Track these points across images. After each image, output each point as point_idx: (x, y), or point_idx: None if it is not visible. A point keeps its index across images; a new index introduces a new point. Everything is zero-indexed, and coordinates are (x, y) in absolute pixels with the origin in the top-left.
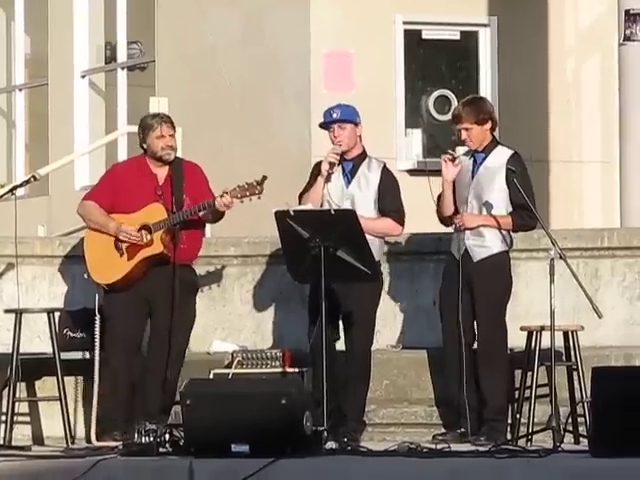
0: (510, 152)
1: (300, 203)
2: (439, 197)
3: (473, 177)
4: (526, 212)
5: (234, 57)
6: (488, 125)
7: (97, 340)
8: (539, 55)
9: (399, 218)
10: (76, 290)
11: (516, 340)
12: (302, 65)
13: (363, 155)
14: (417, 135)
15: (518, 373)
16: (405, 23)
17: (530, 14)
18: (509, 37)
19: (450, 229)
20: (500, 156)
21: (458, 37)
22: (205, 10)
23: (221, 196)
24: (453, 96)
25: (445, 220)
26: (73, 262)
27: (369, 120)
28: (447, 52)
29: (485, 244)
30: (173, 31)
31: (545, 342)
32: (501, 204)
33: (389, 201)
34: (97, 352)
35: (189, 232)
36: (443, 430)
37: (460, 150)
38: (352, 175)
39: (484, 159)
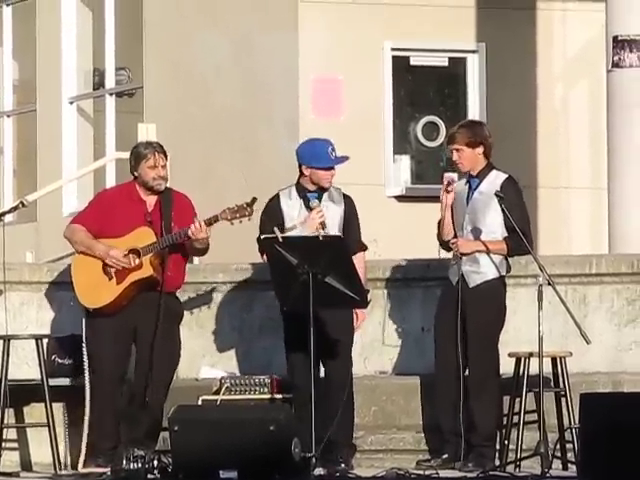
0: (504, 176)
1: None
2: (439, 222)
3: (468, 202)
4: (519, 237)
5: (222, 82)
6: (479, 149)
7: (86, 366)
8: (527, 81)
9: (364, 248)
10: (64, 316)
11: (504, 366)
12: (291, 91)
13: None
14: (405, 161)
15: (506, 399)
16: (393, 49)
17: (518, 40)
18: (497, 63)
19: (445, 254)
20: (494, 180)
21: (446, 63)
22: (194, 35)
23: (194, 224)
24: (441, 122)
25: (446, 245)
26: (61, 288)
27: (357, 146)
28: (435, 78)
29: (480, 270)
30: (161, 57)
31: (533, 368)
32: (497, 229)
33: (353, 237)
34: (87, 378)
35: (175, 260)
36: (428, 456)
37: (449, 177)
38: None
39: (479, 184)
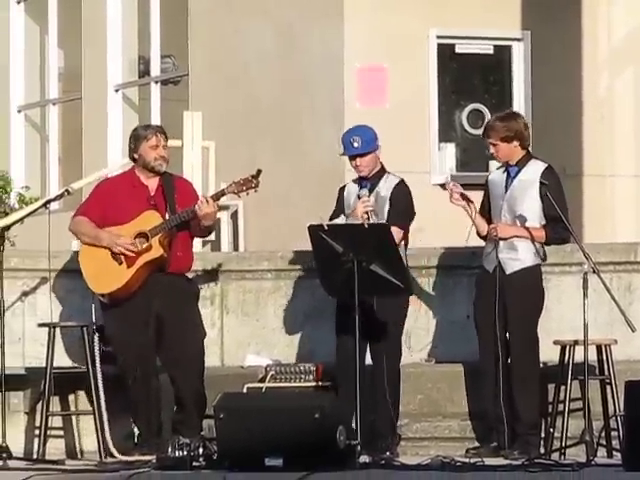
0: (544, 165)
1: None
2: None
3: (507, 190)
4: (559, 225)
5: (267, 71)
6: (515, 143)
7: (97, 353)
8: (572, 69)
9: (402, 224)
10: None
11: (549, 354)
12: (335, 79)
13: (382, 171)
14: (451, 149)
15: (551, 387)
16: (439, 37)
17: (563, 28)
18: (542, 51)
19: (481, 241)
20: (534, 170)
21: (492, 51)
22: (238, 24)
23: (201, 202)
24: (486, 110)
25: (485, 239)
26: None
27: (403, 134)
28: (480, 66)
29: (518, 257)
30: (206, 45)
31: (578, 356)
32: (534, 217)
33: (392, 214)
34: (98, 366)
35: (183, 240)
36: (476, 444)
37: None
38: (371, 192)
39: (517, 172)
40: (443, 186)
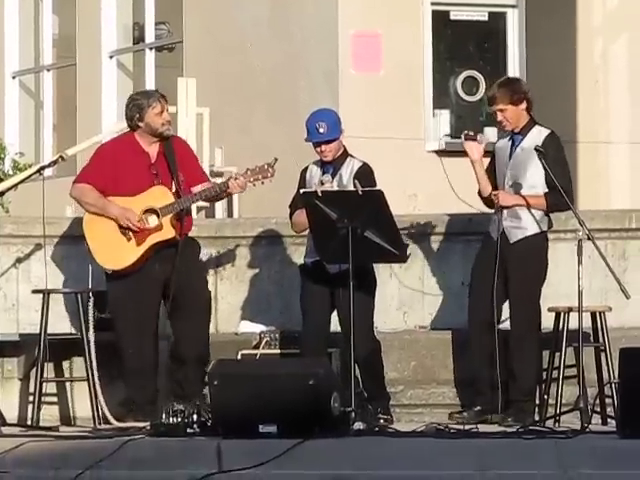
0: (547, 132)
1: (292, 219)
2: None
3: (510, 158)
4: (559, 193)
5: (262, 37)
6: (523, 105)
7: (91, 320)
8: (567, 36)
9: None
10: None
11: (544, 321)
12: (330, 45)
13: (344, 155)
14: (445, 116)
15: (546, 354)
16: (433, 4)
17: None
18: (537, 18)
19: (486, 210)
20: (537, 136)
21: (486, 18)
22: None
23: (235, 178)
24: (481, 77)
25: (487, 203)
26: None
27: (397, 101)
28: (475, 33)
29: (521, 225)
30: (201, 11)
31: (573, 323)
32: (537, 184)
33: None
34: (92, 333)
35: (187, 213)
36: (466, 407)
37: (485, 135)
38: (333, 176)
39: (521, 140)
40: (471, 137)
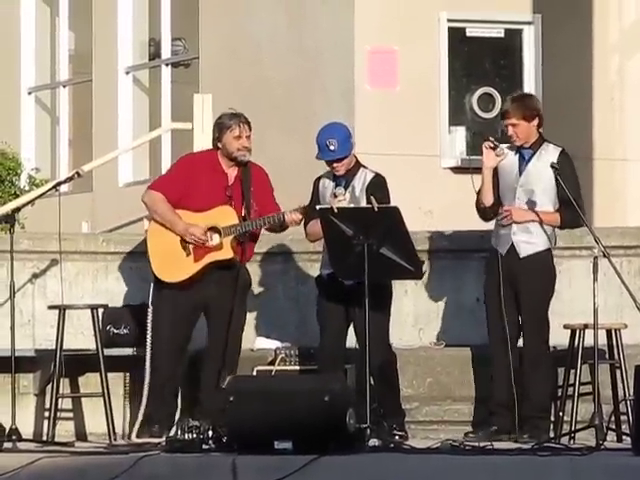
0: (559, 149)
1: (306, 229)
2: (479, 191)
3: (521, 174)
4: (572, 209)
5: (278, 53)
6: (535, 122)
7: (149, 333)
8: (583, 53)
9: None
10: (120, 287)
11: (559, 338)
12: (346, 61)
13: (357, 166)
14: (461, 132)
15: (561, 371)
16: (449, 20)
17: (574, 11)
18: (553, 35)
19: (490, 225)
20: (548, 153)
21: (502, 35)
22: (249, 6)
23: (292, 211)
24: (497, 94)
25: (485, 213)
26: (117, 258)
27: (413, 117)
28: (491, 50)
29: (532, 240)
30: (217, 27)
31: (588, 340)
32: (549, 201)
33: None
34: (149, 346)
35: (251, 236)
36: (480, 427)
37: (504, 146)
38: (346, 188)
39: (532, 156)
40: (493, 146)
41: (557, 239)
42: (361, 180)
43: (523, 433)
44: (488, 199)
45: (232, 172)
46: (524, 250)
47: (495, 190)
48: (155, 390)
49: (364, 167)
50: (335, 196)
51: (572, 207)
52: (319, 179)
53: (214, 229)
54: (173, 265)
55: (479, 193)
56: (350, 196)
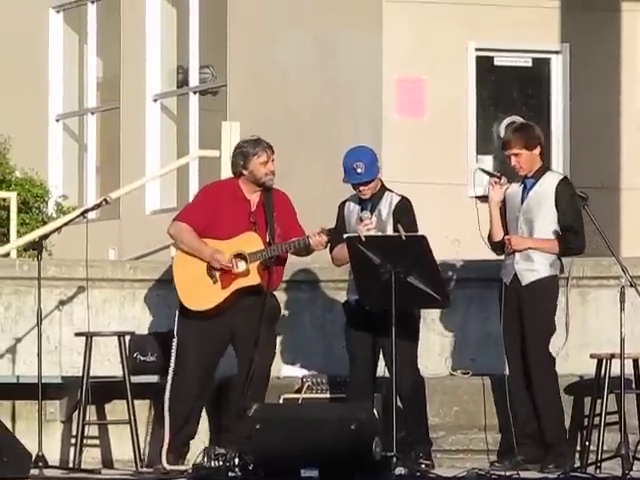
0: (560, 176)
1: (332, 253)
2: (490, 225)
3: (523, 202)
4: (572, 236)
5: (306, 81)
6: (537, 150)
7: (172, 360)
8: (610, 82)
9: None
10: (147, 314)
11: (586, 367)
12: (374, 90)
13: (382, 189)
14: (488, 161)
15: (588, 400)
16: (477, 50)
17: (602, 41)
18: (581, 64)
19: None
20: (549, 181)
21: (530, 64)
22: (277, 34)
23: (317, 234)
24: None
25: (496, 247)
26: (144, 286)
27: (440, 146)
28: (519, 79)
29: (534, 267)
30: (245, 56)
31: (615, 369)
32: (549, 229)
33: (405, 225)
34: (171, 373)
35: (278, 262)
36: (506, 456)
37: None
38: (372, 212)
39: (534, 184)
40: (491, 174)
41: (563, 267)
42: (387, 203)
43: (548, 463)
44: (498, 235)
45: (255, 198)
46: (526, 278)
47: (503, 223)
48: (176, 415)
49: (389, 190)
50: (361, 220)
51: (572, 234)
52: (344, 203)
53: (240, 256)
54: (200, 293)
55: (491, 228)
56: (377, 220)
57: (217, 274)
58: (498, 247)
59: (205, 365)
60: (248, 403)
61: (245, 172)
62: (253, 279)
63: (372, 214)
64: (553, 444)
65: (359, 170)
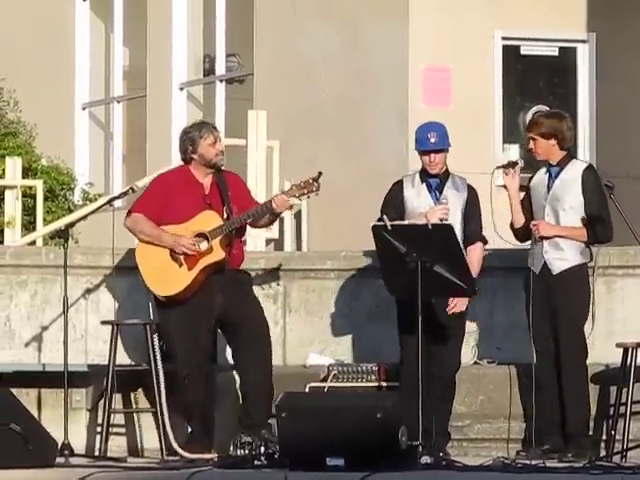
0: (585, 165)
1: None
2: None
3: (549, 191)
4: (599, 224)
5: (331, 70)
6: (552, 141)
7: (157, 352)
8: (637, 71)
9: (484, 240)
10: None
11: (612, 357)
12: (400, 79)
13: (447, 171)
14: (514, 150)
15: (613, 390)
16: (504, 39)
17: (629, 30)
18: (607, 53)
19: (526, 245)
20: (575, 169)
21: (557, 53)
22: (304, 23)
23: (277, 196)
24: None
25: (518, 233)
26: None
27: (467, 135)
28: (545, 68)
29: (564, 257)
30: (271, 44)
31: None
32: (577, 216)
33: (473, 227)
34: (160, 365)
35: (237, 237)
36: (532, 445)
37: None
38: (440, 191)
39: (559, 172)
40: (509, 165)
41: (592, 255)
42: (455, 186)
43: (568, 452)
44: (519, 221)
45: (207, 181)
46: (556, 267)
47: (528, 210)
48: (188, 406)
49: (453, 174)
50: (439, 202)
51: (599, 222)
52: (399, 182)
53: (201, 235)
54: (168, 278)
55: (512, 215)
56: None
57: (181, 257)
58: (521, 234)
59: (198, 351)
60: (260, 355)
61: (195, 156)
62: (217, 254)
63: (441, 194)
64: (574, 435)
65: (432, 140)
